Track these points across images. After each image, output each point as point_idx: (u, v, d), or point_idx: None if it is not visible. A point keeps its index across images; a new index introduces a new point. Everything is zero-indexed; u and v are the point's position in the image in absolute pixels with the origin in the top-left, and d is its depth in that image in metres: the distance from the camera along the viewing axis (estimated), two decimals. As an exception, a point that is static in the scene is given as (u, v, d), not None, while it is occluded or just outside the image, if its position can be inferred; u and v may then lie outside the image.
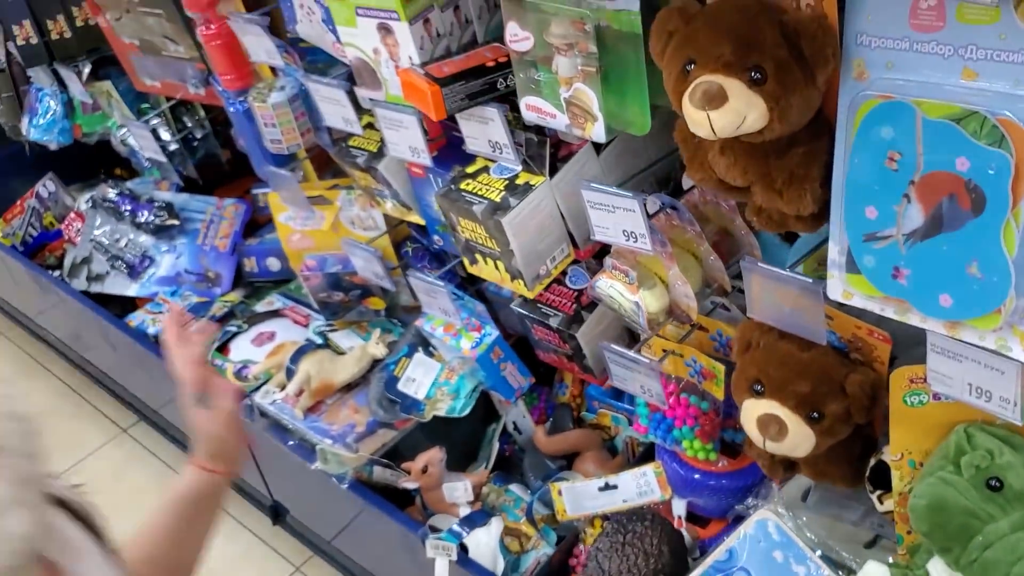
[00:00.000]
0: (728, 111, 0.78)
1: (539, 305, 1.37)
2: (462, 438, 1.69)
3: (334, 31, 1.26)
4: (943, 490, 0.85)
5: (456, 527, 1.37)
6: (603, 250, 1.25)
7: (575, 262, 1.30)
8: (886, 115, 0.76)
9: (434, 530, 1.39)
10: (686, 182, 1.18)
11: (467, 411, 1.57)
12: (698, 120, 0.80)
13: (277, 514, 1.95)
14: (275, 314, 1.95)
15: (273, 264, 2.07)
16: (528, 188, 1.16)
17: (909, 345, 0.99)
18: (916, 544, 0.95)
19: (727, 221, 1.15)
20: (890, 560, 0.96)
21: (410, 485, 1.47)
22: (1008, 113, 0.70)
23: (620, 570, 1.17)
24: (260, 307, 1.98)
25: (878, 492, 1.01)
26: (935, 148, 0.74)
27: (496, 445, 1.64)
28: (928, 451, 0.92)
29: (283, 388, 1.69)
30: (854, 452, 1.04)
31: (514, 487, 1.55)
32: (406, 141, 1.25)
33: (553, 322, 1.34)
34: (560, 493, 1.38)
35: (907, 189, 0.77)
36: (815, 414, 0.97)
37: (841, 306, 0.98)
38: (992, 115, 0.70)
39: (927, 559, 0.91)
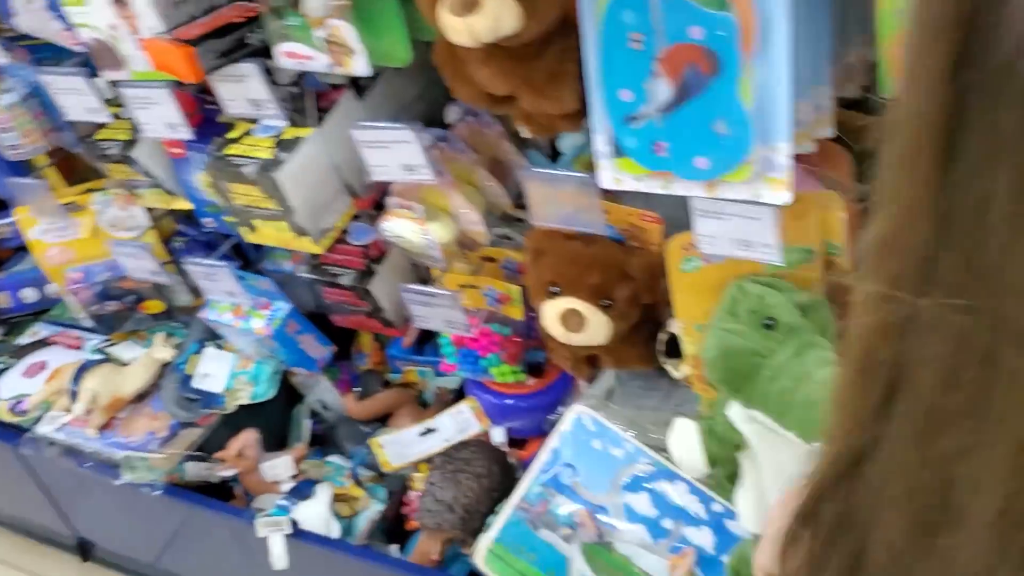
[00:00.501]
0: (484, 14, 0.83)
1: (327, 267, 1.38)
2: (270, 425, 1.65)
3: (61, 16, 1.20)
4: (728, 338, 0.95)
5: (283, 501, 1.35)
6: (380, 204, 1.27)
7: (355, 217, 1.31)
8: (625, 1, 0.83)
9: (261, 512, 1.37)
10: (450, 116, 1.22)
11: (271, 394, 1.55)
12: (457, 27, 0.84)
13: (85, 550, 1.83)
14: (43, 343, 1.82)
15: (29, 295, 1.92)
16: (298, 141, 1.16)
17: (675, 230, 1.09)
18: (713, 400, 1.05)
19: (495, 148, 1.20)
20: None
21: (228, 472, 1.43)
22: (713, -20, 0.79)
23: (456, 496, 1.20)
24: (24, 339, 1.85)
25: (673, 361, 1.10)
26: (671, 22, 0.81)
27: (307, 423, 1.63)
28: (709, 312, 1.01)
29: (69, 412, 1.59)
30: (646, 334, 1.13)
31: (333, 458, 1.54)
32: (161, 118, 1.21)
33: (345, 280, 1.35)
34: (382, 446, 1.39)
35: (653, 66, 0.84)
36: (607, 301, 1.04)
37: (613, 201, 1.07)
38: (709, -16, 0.79)
39: (722, 407, 1.00)
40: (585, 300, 1.04)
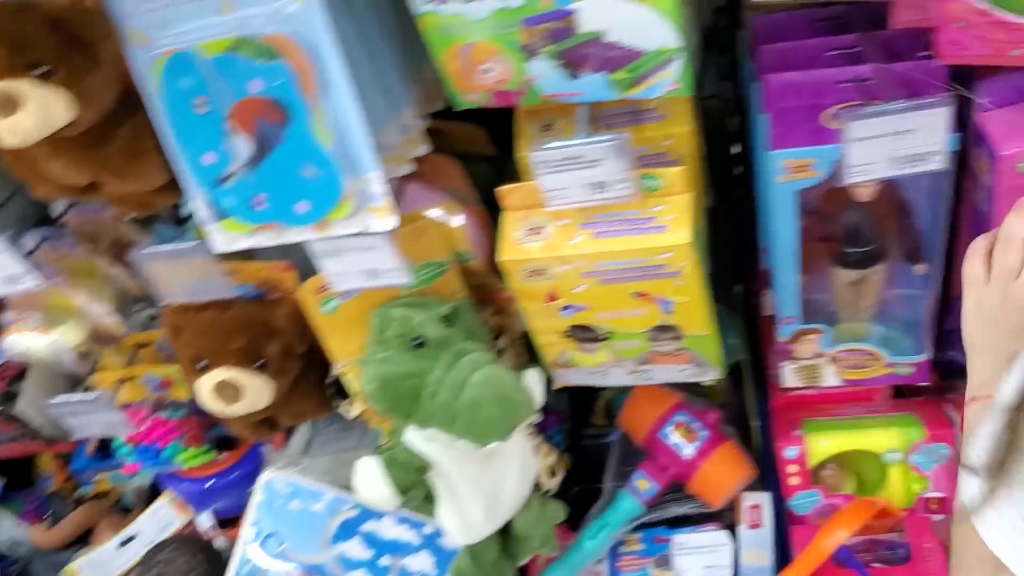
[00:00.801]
0: (29, 112, 0.78)
1: (-35, 400, 1.25)
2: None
3: None
4: (382, 367, 0.95)
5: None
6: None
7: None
8: (176, 68, 0.81)
9: None
10: (57, 209, 1.14)
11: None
12: (1, 130, 0.78)
13: None
14: None
15: None
16: None
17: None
18: (390, 429, 1.05)
19: (114, 231, 1.14)
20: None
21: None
22: (271, 29, 0.78)
23: (164, 603, 1.13)
24: None
25: (344, 402, 1.10)
26: (228, 80, 0.80)
27: (-6, 571, 1.47)
28: (363, 346, 1.02)
29: None
30: (315, 381, 1.11)
31: (33, 601, 1.41)
32: None
33: (-13, 409, 1.23)
34: (78, 571, 1.28)
35: (225, 126, 0.83)
36: (259, 361, 1.02)
37: (245, 259, 1.04)
38: (258, 36, 0.78)
39: (400, 434, 1.01)
40: (236, 367, 1.01)
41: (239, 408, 1.01)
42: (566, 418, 1.44)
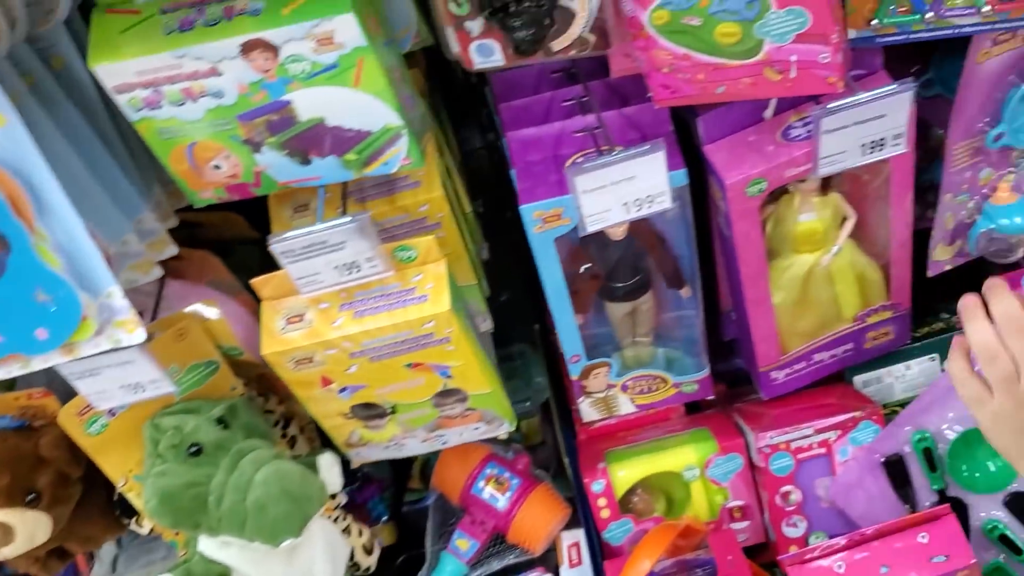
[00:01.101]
0: None
1: None
2: None
3: None
4: (160, 482, 0.91)
5: None
6: None
7: None
8: None
9: None
10: None
11: None
12: None
13: None
14: None
15: None
16: None
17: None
18: (185, 539, 1.01)
19: None
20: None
21: None
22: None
23: None
24: None
25: (133, 520, 1.05)
26: (-67, 215, 0.76)
27: None
28: (141, 460, 0.97)
29: None
30: (102, 502, 1.05)
31: None
32: None
33: None
34: None
35: (-59, 261, 0.78)
36: (31, 495, 0.96)
37: (5, 389, 0.98)
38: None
39: (195, 544, 0.97)
40: (3, 506, 0.94)
41: (12, 550, 0.95)
42: (387, 486, 1.42)
